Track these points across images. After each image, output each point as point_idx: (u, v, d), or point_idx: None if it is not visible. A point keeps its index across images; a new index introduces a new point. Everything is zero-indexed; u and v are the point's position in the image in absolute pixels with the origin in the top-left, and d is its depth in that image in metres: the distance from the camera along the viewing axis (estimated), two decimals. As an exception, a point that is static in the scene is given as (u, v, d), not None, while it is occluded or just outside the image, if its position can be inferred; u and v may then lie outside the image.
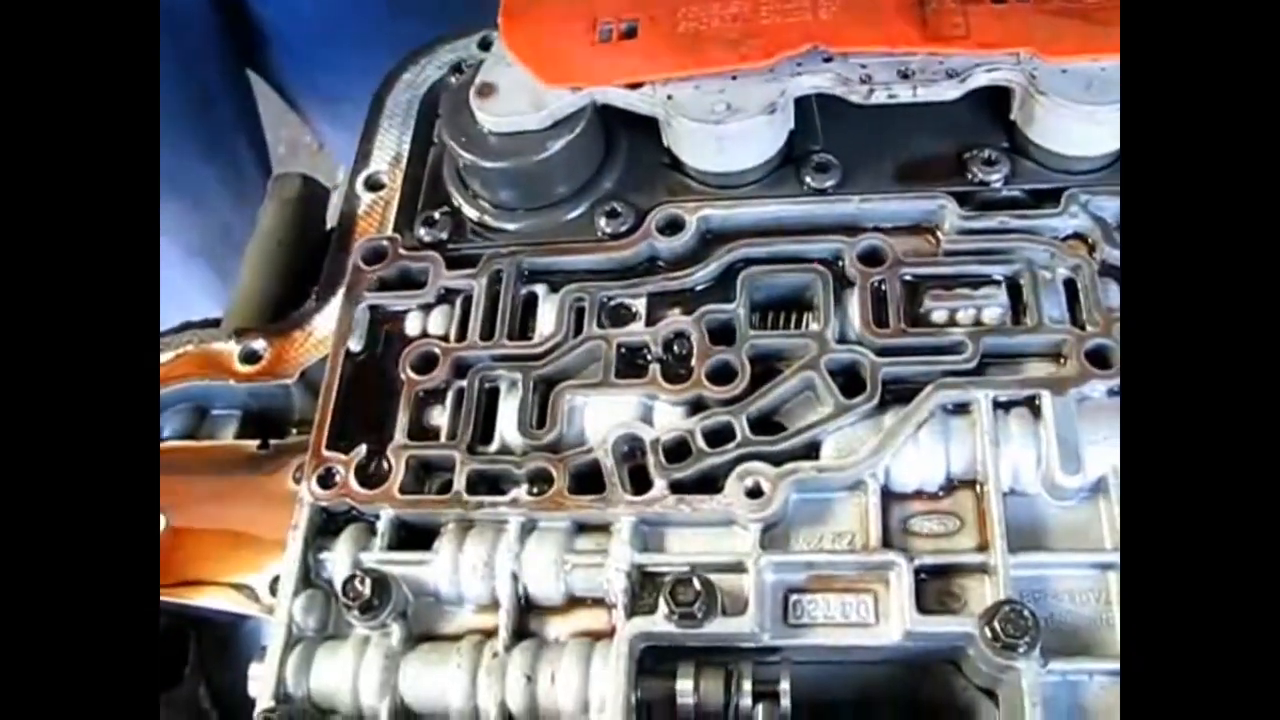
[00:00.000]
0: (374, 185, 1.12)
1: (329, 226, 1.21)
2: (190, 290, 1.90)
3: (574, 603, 0.86)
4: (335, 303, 1.04)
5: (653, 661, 0.81)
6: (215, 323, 1.16)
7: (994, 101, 0.99)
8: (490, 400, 0.93)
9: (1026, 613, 0.75)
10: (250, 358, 1.05)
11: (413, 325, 1.00)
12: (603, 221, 1.01)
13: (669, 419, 0.90)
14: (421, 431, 0.93)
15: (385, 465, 0.90)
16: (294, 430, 1.05)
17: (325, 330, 1.04)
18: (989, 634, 0.75)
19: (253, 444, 1.03)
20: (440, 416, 0.93)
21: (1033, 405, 0.86)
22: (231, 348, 1.06)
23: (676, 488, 0.85)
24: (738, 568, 0.82)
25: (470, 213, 1.06)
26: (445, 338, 0.97)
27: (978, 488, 0.85)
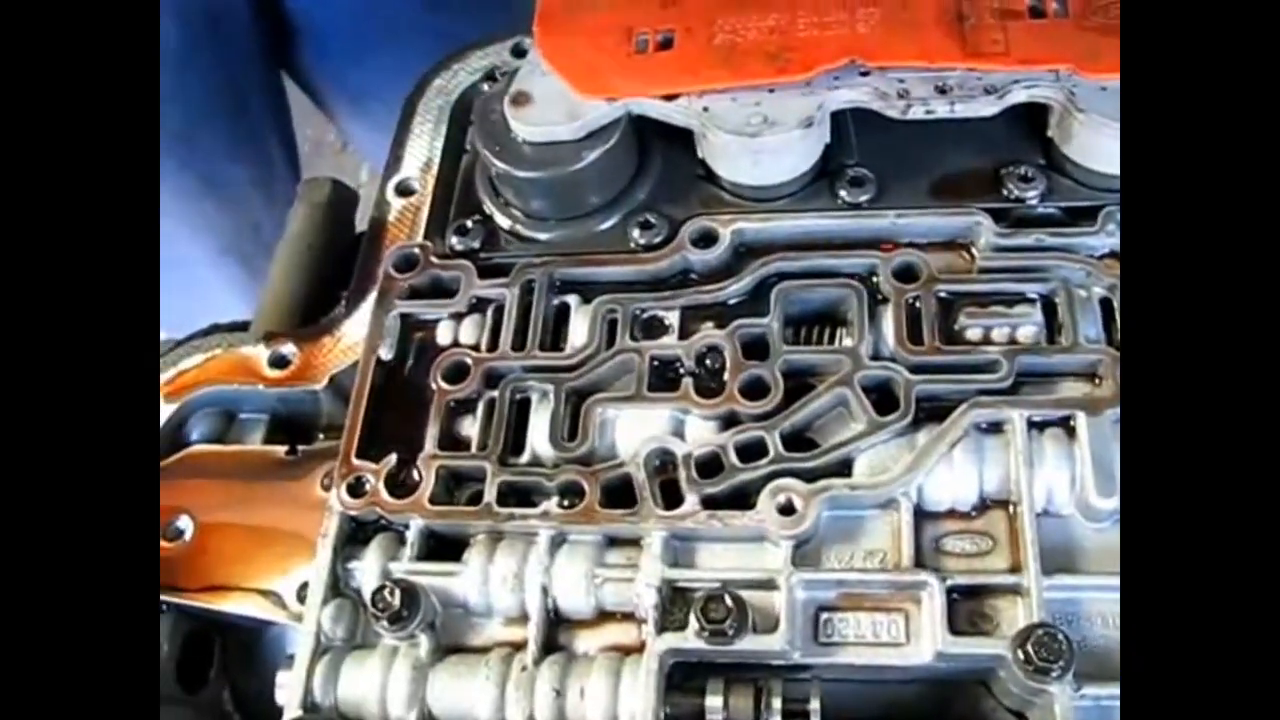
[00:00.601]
0: (404, 191, 1.12)
1: (358, 230, 1.21)
2: (219, 288, 1.91)
3: (604, 617, 0.85)
4: (365, 309, 1.04)
5: (681, 677, 0.81)
6: (244, 326, 1.16)
7: (1031, 118, 0.98)
8: (521, 411, 0.93)
9: (1060, 636, 0.75)
10: (279, 362, 1.06)
11: (444, 334, 0.99)
12: (636, 233, 1.00)
13: (701, 433, 0.89)
14: (452, 442, 0.93)
15: (415, 475, 0.90)
16: (322, 436, 1.05)
17: (355, 336, 1.04)
18: (1021, 657, 0.75)
19: (280, 449, 1.04)
20: (471, 427, 0.93)
21: (1067, 426, 0.85)
22: (261, 352, 1.07)
23: (708, 503, 0.85)
24: (769, 584, 0.82)
25: (502, 221, 1.05)
26: (476, 347, 0.97)
27: (1011, 508, 0.84)
